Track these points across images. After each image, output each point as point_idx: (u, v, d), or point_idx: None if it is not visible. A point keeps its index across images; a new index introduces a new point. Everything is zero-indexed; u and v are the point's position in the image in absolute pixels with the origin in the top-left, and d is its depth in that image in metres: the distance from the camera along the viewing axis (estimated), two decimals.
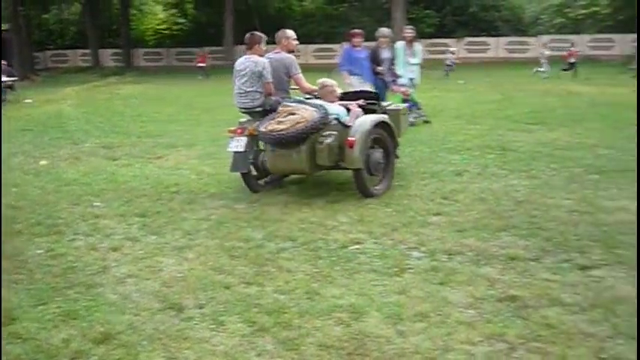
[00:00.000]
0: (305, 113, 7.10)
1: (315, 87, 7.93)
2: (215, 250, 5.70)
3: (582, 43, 36.05)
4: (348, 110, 7.60)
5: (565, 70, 27.48)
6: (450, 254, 5.40)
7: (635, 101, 14.73)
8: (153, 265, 5.38)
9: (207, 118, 15.77)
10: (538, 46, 35.00)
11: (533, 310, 4.30)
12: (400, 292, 4.64)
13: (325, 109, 7.20)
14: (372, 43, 12.74)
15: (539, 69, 27.68)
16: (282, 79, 7.97)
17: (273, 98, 7.76)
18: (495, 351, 3.81)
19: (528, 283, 4.77)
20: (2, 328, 4.23)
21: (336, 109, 7.45)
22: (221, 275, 5.08)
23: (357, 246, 5.67)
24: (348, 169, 7.33)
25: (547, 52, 28.30)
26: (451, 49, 32.37)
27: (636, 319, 4.03)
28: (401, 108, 8.90)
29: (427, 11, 41.65)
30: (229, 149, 7.67)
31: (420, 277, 4.92)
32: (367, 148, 7.25)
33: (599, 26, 40.03)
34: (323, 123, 7.09)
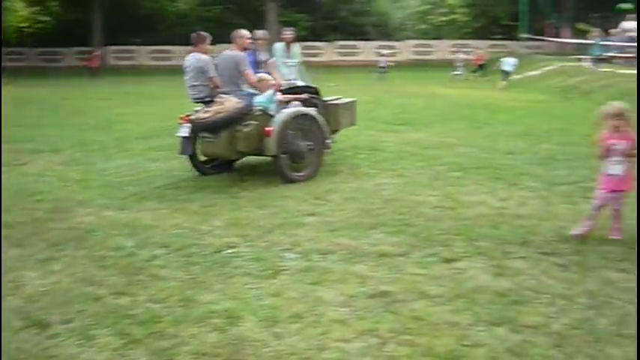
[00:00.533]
0: (228, 104, 7.92)
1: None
2: (83, 260, 5.49)
3: (443, 48, 37.81)
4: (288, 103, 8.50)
5: (474, 72, 28.75)
6: (323, 254, 5.51)
7: (486, 102, 15.64)
8: (15, 280, 5.10)
9: (75, 122, 15.14)
10: (404, 50, 36.36)
11: (402, 304, 4.47)
12: (275, 294, 4.68)
13: (250, 101, 8.03)
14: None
15: (454, 72, 28.79)
16: (234, 74, 8.52)
17: (218, 90, 8.48)
18: (368, 346, 3.93)
19: (398, 278, 4.95)
20: None
21: (263, 99, 8.18)
22: (90, 287, 4.89)
23: (231, 250, 5.66)
24: (267, 155, 8.10)
25: (462, 56, 29.49)
26: (383, 52, 32.81)
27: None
28: (343, 102, 9.61)
29: (299, 15, 42.13)
30: (177, 134, 8.51)
31: (295, 278, 4.98)
32: (286, 137, 7.97)
33: (458, 32, 42.28)
34: (244, 113, 7.93)
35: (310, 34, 41.17)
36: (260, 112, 8.11)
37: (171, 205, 7.12)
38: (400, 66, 37.18)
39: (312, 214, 6.68)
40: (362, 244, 5.72)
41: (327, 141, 8.56)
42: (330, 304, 4.50)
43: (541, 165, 8.97)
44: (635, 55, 21.53)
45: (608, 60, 23.79)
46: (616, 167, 5.62)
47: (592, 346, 3.88)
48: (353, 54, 41.22)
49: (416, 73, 32.61)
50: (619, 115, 5.55)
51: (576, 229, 5.76)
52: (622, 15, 27.90)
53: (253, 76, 8.57)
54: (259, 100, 8.20)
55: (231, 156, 8.39)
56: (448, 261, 5.31)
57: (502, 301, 4.50)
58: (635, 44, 21.06)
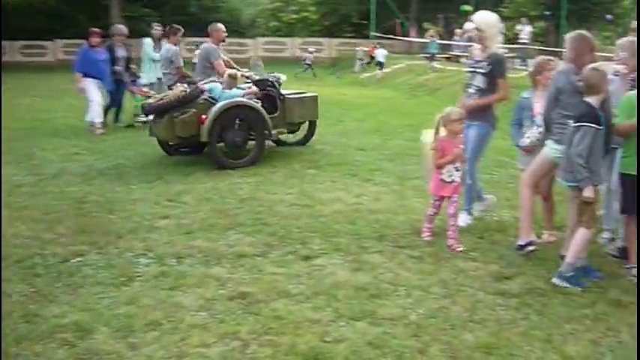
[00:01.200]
0: (175, 92, 8.67)
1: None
2: None
3: (294, 46, 38.20)
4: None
5: (368, 63, 28.89)
6: (179, 257, 5.32)
7: (339, 99, 15.93)
8: None
9: None
10: (255, 48, 36.33)
11: (263, 305, 4.41)
12: (129, 303, 4.44)
13: (197, 90, 8.69)
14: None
15: (300, 70, 28.78)
16: (203, 64, 9.52)
17: (184, 79, 9.76)
18: (230, 350, 3.83)
19: (257, 278, 4.88)
20: None
21: (215, 89, 8.78)
22: None
23: (79, 258, 5.31)
24: (201, 141, 8.61)
25: (311, 55, 29.58)
26: (310, 48, 32.08)
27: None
28: (301, 96, 10.09)
29: (146, 10, 40.76)
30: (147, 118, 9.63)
31: (150, 284, 4.77)
32: (219, 126, 8.53)
33: (309, 30, 42.89)
34: (185, 101, 8.50)
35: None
36: (203, 101, 8.68)
37: (9, 213, 6.58)
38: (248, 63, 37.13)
39: (166, 217, 6.44)
40: (219, 246, 5.58)
41: (273, 132, 9.14)
42: (188, 309, 4.34)
43: (392, 160, 9.24)
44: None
45: (450, 58, 25.17)
46: (452, 174, 5.60)
47: (448, 333, 4.02)
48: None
49: (268, 69, 32.62)
50: (457, 121, 5.56)
51: (425, 234, 5.83)
52: (467, 16, 29.49)
53: (223, 68, 9.33)
54: (211, 89, 8.83)
55: (172, 139, 8.94)
56: (306, 258, 5.31)
57: (361, 295, 4.56)
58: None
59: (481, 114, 6.00)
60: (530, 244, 5.31)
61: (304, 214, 6.53)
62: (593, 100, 4.71)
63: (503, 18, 32.57)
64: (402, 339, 3.94)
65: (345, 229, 6.01)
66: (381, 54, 25.84)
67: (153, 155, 9.57)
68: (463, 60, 21.98)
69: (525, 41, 24.72)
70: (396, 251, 5.46)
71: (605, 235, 5.73)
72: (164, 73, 10.93)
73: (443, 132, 5.57)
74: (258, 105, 8.99)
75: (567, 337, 3.99)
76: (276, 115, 9.41)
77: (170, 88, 9.68)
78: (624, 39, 5.78)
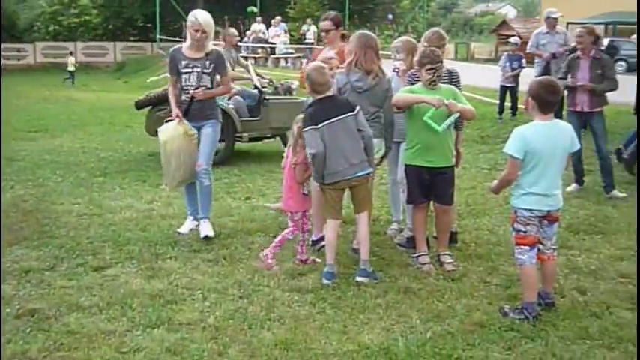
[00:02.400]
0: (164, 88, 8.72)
1: None
2: None
3: (77, 51, 36.44)
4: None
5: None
6: None
7: None
8: None
9: None
10: (33, 53, 34.15)
11: (53, 320, 4.18)
12: None
13: None
14: None
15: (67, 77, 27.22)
16: None
17: None
18: None
19: (46, 293, 4.62)
20: None
21: None
22: None
23: None
24: None
25: (73, 59, 28.03)
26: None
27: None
28: (286, 102, 9.93)
29: None
30: None
31: None
32: None
33: (92, 34, 41.10)
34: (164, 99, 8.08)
35: None
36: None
37: None
38: (31, 69, 34.84)
39: None
40: (4, 263, 5.17)
41: (244, 135, 9.44)
42: None
43: None
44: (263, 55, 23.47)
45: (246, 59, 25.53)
46: (308, 184, 5.36)
47: (246, 332, 4.09)
48: None
49: (48, 76, 30.76)
50: None
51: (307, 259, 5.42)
52: (253, 17, 29.96)
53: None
54: None
55: (152, 133, 8.85)
56: (98, 269, 5.11)
57: (157, 302, 4.49)
58: (264, 45, 22.91)
59: (214, 112, 6.08)
60: (322, 239, 5.51)
61: (94, 224, 6.28)
62: (330, 92, 4.95)
63: (289, 19, 33.82)
64: (201, 343, 3.94)
65: (137, 237, 5.87)
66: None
67: None
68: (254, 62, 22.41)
69: (311, 41, 25.78)
70: (190, 255, 5.44)
71: (394, 226, 6.13)
72: None
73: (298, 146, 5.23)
74: (230, 107, 9.20)
75: (362, 326, 4.20)
76: (258, 118, 9.61)
77: None
78: (401, 39, 6.25)
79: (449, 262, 5.22)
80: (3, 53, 30.89)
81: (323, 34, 6.42)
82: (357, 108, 4.93)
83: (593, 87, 7.31)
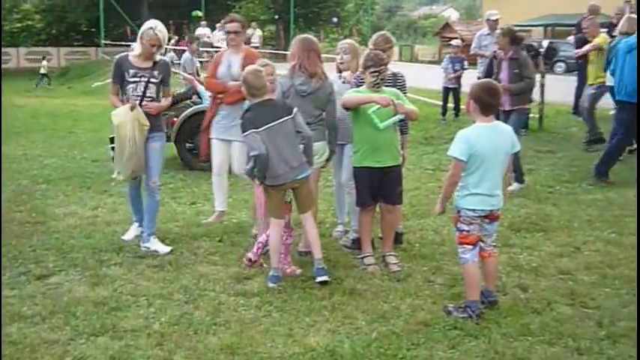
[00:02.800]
0: None
1: None
2: None
3: (21, 56, 35.67)
4: None
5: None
6: None
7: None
8: None
9: None
10: None
11: None
12: None
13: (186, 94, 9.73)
14: None
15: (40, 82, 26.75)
16: None
17: None
18: None
19: None
20: None
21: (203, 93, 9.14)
22: None
23: None
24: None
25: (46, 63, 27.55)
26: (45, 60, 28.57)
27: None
28: None
29: None
30: None
31: None
32: (189, 129, 9.02)
33: (35, 39, 40.23)
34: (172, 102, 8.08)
35: None
36: (183, 106, 9.43)
37: None
38: None
39: None
40: None
41: None
42: None
43: None
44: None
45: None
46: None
47: (192, 338, 4.07)
48: None
49: None
50: None
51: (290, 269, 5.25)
52: (198, 22, 29.70)
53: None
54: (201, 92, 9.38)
55: None
56: (41, 277, 5.02)
57: (101, 310, 4.43)
58: (209, 49, 22.82)
59: (161, 123, 5.94)
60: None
61: (37, 232, 6.15)
62: (269, 96, 4.94)
63: None
64: (146, 349, 3.90)
65: (81, 244, 5.78)
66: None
67: None
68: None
69: (257, 45, 25.73)
70: (135, 262, 5.38)
71: (339, 228, 6.17)
72: None
73: None
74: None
75: (308, 329, 4.22)
76: None
77: None
78: (347, 40, 6.28)
79: (394, 263, 5.29)
80: None
81: (232, 35, 6.38)
82: (294, 110, 4.94)
83: (506, 87, 7.49)
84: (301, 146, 4.98)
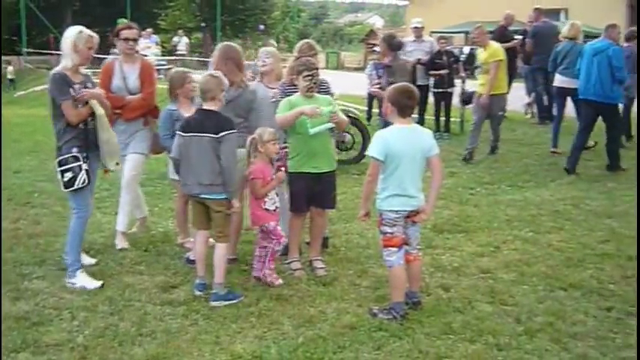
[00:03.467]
0: None
1: None
2: None
3: None
4: None
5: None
6: None
7: None
8: None
9: None
10: None
11: None
12: None
13: None
14: None
15: None
16: None
17: None
18: None
19: None
20: None
21: None
22: None
23: None
24: None
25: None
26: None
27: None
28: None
29: None
30: None
31: None
32: None
33: None
34: None
35: None
36: None
37: None
38: None
39: None
40: None
41: None
42: None
43: (53, 181, 8.78)
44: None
45: None
46: (275, 200, 5.17)
47: (117, 350, 4.02)
48: None
49: None
50: (271, 142, 5.09)
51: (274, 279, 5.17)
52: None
53: None
54: None
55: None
56: None
57: (22, 325, 4.32)
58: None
59: None
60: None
61: None
62: (210, 105, 4.85)
63: (161, 30, 33.24)
64: None
65: (3, 257, 5.59)
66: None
67: None
68: None
69: (183, 52, 25.50)
70: (59, 274, 5.25)
71: None
72: None
73: (259, 156, 5.11)
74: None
75: (235, 336, 4.23)
76: None
77: None
78: (268, 47, 6.31)
79: (320, 267, 5.36)
80: None
81: (130, 43, 6.05)
82: (223, 134, 4.71)
83: (375, 93, 7.67)
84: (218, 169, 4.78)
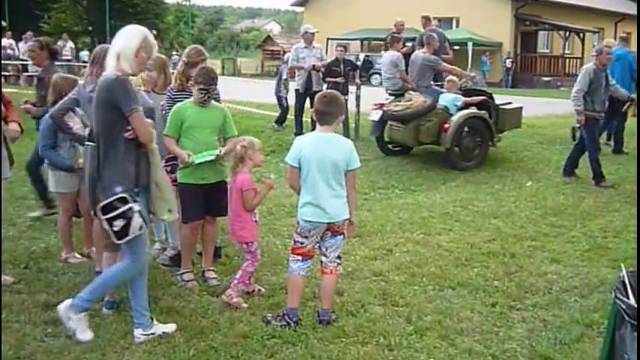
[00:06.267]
0: (417, 101, 9.69)
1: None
2: None
3: None
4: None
5: None
6: None
7: None
8: None
9: None
10: None
11: None
12: None
13: (436, 100, 9.76)
14: None
15: None
16: (424, 75, 10.18)
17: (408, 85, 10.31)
18: None
19: None
20: None
21: (449, 100, 9.77)
22: None
23: None
24: (442, 147, 9.90)
25: None
26: None
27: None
28: (511, 108, 10.69)
29: None
30: (370, 118, 10.75)
31: None
32: (459, 134, 9.68)
33: None
34: (428, 110, 9.67)
35: None
36: (442, 110, 9.75)
37: None
38: None
39: None
40: None
41: (494, 139, 10.04)
42: None
43: None
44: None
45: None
46: (256, 212, 5.00)
47: None
48: None
49: None
50: (260, 151, 5.00)
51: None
52: (4, 32, 27.72)
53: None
54: (444, 99, 9.81)
55: (413, 144, 10.28)
56: None
57: None
58: (10, 62, 21.56)
59: None
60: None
61: None
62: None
63: (44, 34, 31.96)
64: None
65: None
66: None
67: None
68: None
69: (69, 57, 24.52)
70: None
71: (157, 246, 5.98)
72: (388, 78, 10.90)
73: (246, 166, 4.88)
74: (487, 115, 9.91)
75: (122, 352, 4.07)
76: (491, 122, 10.08)
77: (396, 94, 10.43)
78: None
79: (213, 278, 5.26)
80: None
81: (32, 53, 6.61)
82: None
83: None
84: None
